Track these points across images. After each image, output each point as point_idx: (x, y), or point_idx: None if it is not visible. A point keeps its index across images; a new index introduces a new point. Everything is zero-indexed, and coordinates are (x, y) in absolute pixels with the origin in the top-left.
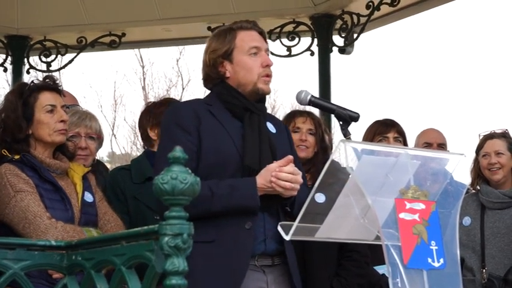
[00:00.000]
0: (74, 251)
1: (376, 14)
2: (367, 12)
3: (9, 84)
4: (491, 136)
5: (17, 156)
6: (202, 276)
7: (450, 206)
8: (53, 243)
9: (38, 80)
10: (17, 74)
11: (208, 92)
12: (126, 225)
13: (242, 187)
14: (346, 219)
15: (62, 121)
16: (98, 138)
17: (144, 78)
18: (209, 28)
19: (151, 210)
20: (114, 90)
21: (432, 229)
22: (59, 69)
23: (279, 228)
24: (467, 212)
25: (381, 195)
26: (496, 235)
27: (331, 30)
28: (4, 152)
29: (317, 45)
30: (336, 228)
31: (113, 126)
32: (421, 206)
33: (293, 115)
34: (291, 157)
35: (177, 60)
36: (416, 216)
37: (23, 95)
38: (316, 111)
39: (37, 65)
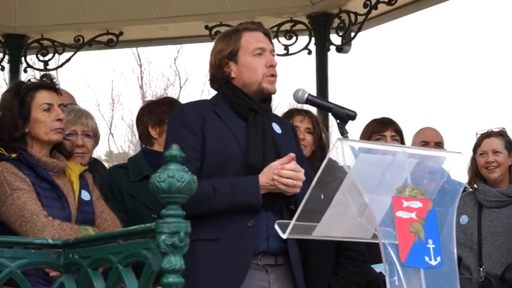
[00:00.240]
0: (71, 249)
1: (374, 12)
2: (365, 11)
3: (6, 83)
4: (488, 134)
5: (13, 155)
6: (205, 274)
7: (447, 204)
8: (50, 242)
9: (35, 78)
10: (14, 72)
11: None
12: (123, 224)
13: (244, 185)
14: (344, 217)
15: (58, 120)
16: (95, 136)
17: (142, 77)
18: (207, 27)
19: (148, 209)
20: (112, 89)
21: (429, 227)
22: (56, 68)
23: (276, 227)
24: (465, 210)
25: (378, 193)
26: (493, 234)
27: (328, 29)
28: (1, 150)
29: (314, 44)
30: (333, 227)
31: (111, 125)
32: (418, 204)
33: (291, 114)
34: (292, 155)
35: (175, 59)
36: (413, 215)
37: (20, 94)
38: (313, 110)
39: (34, 64)
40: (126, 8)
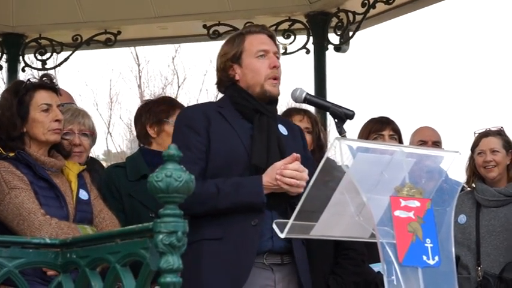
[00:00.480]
0: (68, 248)
1: (372, 12)
2: (363, 10)
3: (4, 83)
4: (486, 134)
5: (11, 154)
6: (210, 273)
7: (445, 203)
8: (48, 241)
9: (34, 78)
10: (12, 72)
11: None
12: (122, 223)
13: (248, 184)
14: (342, 217)
15: (56, 120)
16: (92, 135)
17: (140, 76)
18: (205, 26)
19: (146, 208)
20: (110, 89)
21: (427, 227)
22: (54, 67)
23: (274, 226)
24: (463, 209)
25: (376, 192)
26: (491, 233)
27: (326, 28)
28: None
29: (312, 43)
30: (331, 226)
31: (109, 125)
32: (416, 203)
33: (290, 113)
34: (296, 155)
35: (173, 58)
36: (411, 214)
37: (19, 93)
38: (312, 109)
39: (32, 63)
40: (124, 7)
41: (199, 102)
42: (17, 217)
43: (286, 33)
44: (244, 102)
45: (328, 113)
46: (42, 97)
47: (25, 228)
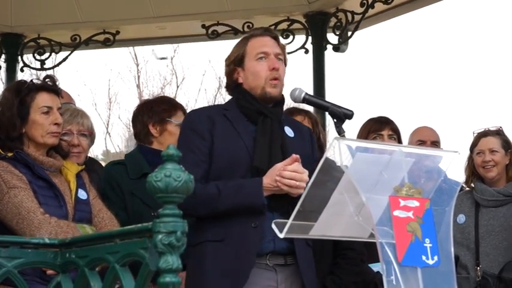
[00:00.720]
0: (67, 248)
1: (371, 11)
2: (362, 10)
3: (3, 83)
4: (485, 134)
5: (10, 154)
6: (211, 274)
7: (444, 203)
8: (47, 241)
9: (37, 79)
10: (10, 72)
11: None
12: (123, 222)
13: (248, 186)
14: (341, 216)
15: (56, 124)
16: (90, 135)
17: (139, 76)
18: (203, 26)
19: (147, 207)
20: (109, 88)
21: (426, 227)
22: (53, 67)
23: (273, 226)
24: (462, 209)
25: (375, 192)
26: (490, 233)
27: (325, 28)
28: None
29: (311, 43)
30: (330, 226)
31: (108, 125)
32: (415, 203)
33: (290, 113)
34: (295, 156)
35: (172, 58)
36: (410, 214)
37: (21, 94)
38: (310, 109)
39: (31, 63)
40: (123, 7)
41: (198, 102)
42: (16, 216)
43: (285, 33)
44: (248, 105)
45: (327, 113)
46: (43, 99)
47: (24, 227)
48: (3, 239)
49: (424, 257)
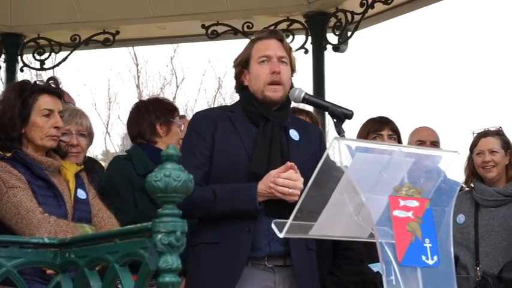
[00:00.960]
0: (67, 248)
1: (370, 12)
2: (361, 10)
3: (2, 82)
4: (485, 134)
5: (8, 154)
6: (206, 276)
7: (444, 203)
8: (46, 241)
9: (41, 81)
10: (10, 72)
11: None
12: (133, 218)
13: (243, 191)
14: (340, 216)
15: (56, 127)
16: (89, 135)
17: (138, 76)
18: (203, 26)
19: (154, 205)
20: (108, 88)
21: (426, 227)
22: (52, 67)
23: (273, 226)
24: (461, 209)
25: (375, 192)
26: (490, 233)
27: (325, 28)
28: None
29: (311, 43)
30: (330, 226)
31: (107, 125)
32: (415, 203)
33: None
34: (290, 164)
35: (171, 58)
36: (410, 214)
37: (23, 94)
38: (311, 109)
39: (31, 63)
40: (123, 7)
41: (198, 102)
42: (15, 216)
43: (285, 33)
44: (251, 108)
45: (326, 113)
46: (45, 102)
47: (23, 227)
48: (3, 239)
49: (423, 257)
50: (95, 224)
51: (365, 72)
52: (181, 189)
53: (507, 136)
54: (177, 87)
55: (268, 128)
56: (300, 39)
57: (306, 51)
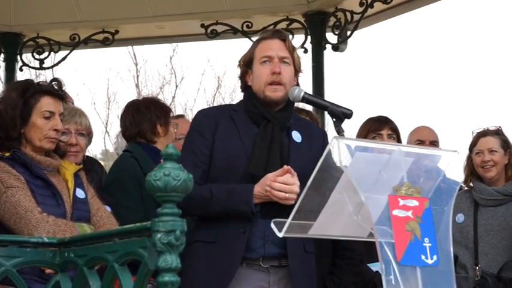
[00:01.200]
0: (66, 247)
1: (370, 11)
2: (361, 9)
3: (2, 82)
4: (484, 133)
5: (7, 154)
6: (200, 275)
7: (443, 203)
8: (46, 240)
9: (44, 82)
10: (9, 71)
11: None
12: (141, 217)
13: (239, 192)
14: (340, 216)
15: (55, 130)
16: (88, 135)
17: (138, 76)
18: (202, 25)
19: (158, 205)
20: (108, 88)
21: (425, 226)
22: (52, 67)
23: (272, 225)
24: (461, 209)
25: (374, 192)
26: (489, 232)
27: (324, 27)
28: None
29: (310, 42)
30: (329, 225)
31: (106, 124)
32: (414, 202)
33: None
34: (286, 167)
35: (171, 58)
36: (409, 213)
37: (25, 95)
38: (310, 108)
39: (30, 62)
40: (122, 7)
41: (197, 101)
42: (13, 216)
43: None
44: (252, 108)
45: (326, 112)
46: (47, 103)
47: (22, 227)
48: (2, 238)
49: (423, 257)
50: (94, 223)
51: (364, 71)
52: (181, 188)
53: (506, 136)
54: (177, 86)
55: (269, 129)
56: (299, 38)
57: (306, 51)
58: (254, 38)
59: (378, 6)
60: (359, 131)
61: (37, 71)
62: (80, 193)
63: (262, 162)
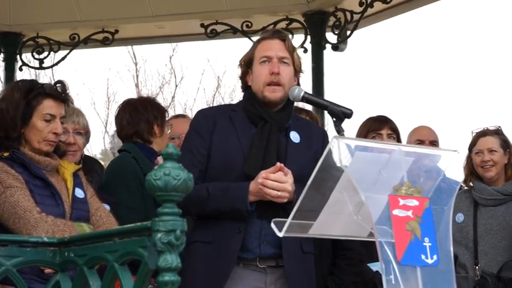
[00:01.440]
0: (66, 247)
1: (369, 11)
2: (360, 9)
3: (1, 82)
4: (484, 133)
5: (6, 154)
6: (198, 275)
7: (443, 202)
8: (45, 240)
9: (49, 84)
10: (9, 71)
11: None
12: (142, 216)
13: (235, 190)
14: (340, 215)
15: (55, 133)
16: (86, 134)
17: (137, 75)
18: (202, 25)
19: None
20: (107, 87)
21: (426, 226)
22: (51, 66)
23: (272, 225)
24: (460, 208)
25: (375, 191)
26: (489, 232)
27: (324, 27)
28: None
29: (310, 42)
30: (329, 225)
31: (106, 124)
32: (414, 202)
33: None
34: (279, 165)
35: (170, 57)
36: (409, 213)
37: (28, 96)
38: (310, 108)
39: (30, 62)
40: (122, 6)
41: (197, 101)
42: (12, 215)
43: None
44: (251, 109)
45: (326, 112)
46: (49, 106)
47: (21, 227)
48: (2, 238)
49: (423, 256)
50: (93, 223)
51: (364, 71)
52: (181, 188)
53: (506, 135)
54: (176, 86)
55: (266, 129)
56: (299, 38)
57: (305, 51)
58: (254, 38)
59: (378, 6)
60: (359, 130)
61: (37, 70)
62: (79, 193)
63: (258, 162)
